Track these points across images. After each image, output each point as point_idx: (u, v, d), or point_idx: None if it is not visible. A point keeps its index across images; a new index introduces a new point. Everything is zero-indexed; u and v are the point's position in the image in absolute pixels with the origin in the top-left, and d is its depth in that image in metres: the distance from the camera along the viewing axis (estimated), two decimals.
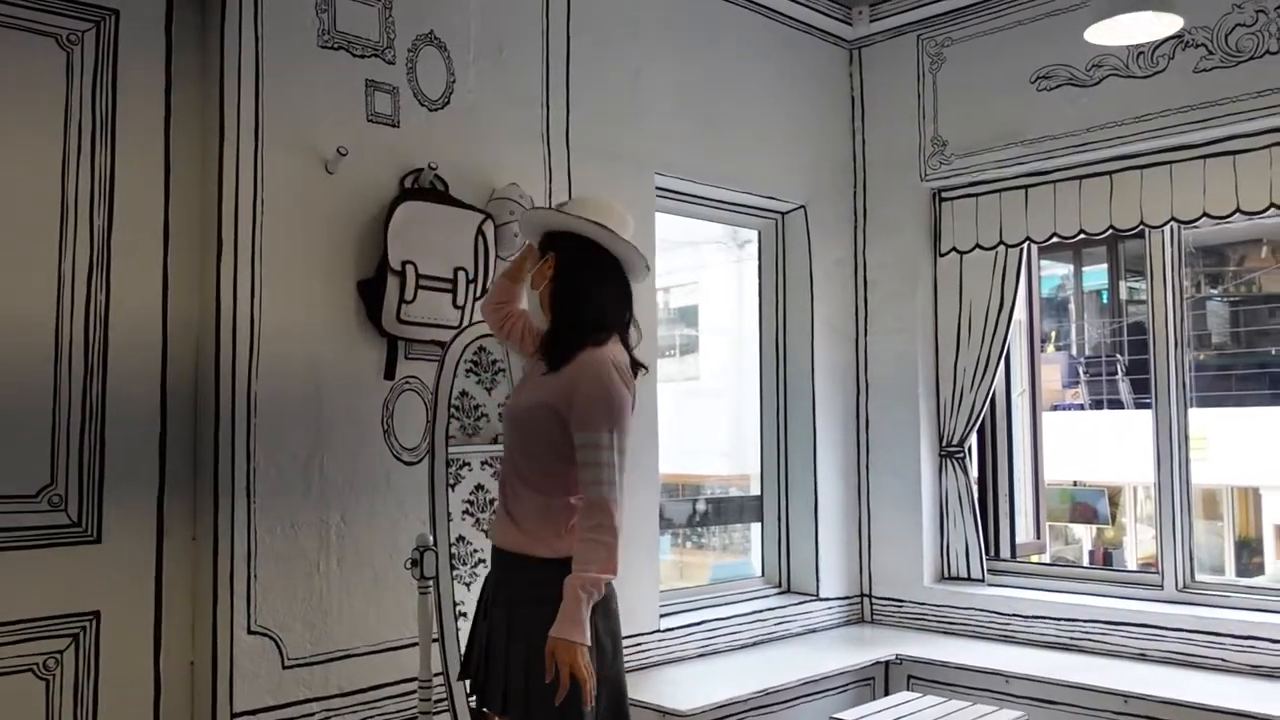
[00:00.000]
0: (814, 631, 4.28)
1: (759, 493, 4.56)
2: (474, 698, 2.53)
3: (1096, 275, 12.69)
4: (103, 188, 2.67)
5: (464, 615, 3.02)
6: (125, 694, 2.66)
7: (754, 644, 4.05)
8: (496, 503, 2.53)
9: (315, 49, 2.96)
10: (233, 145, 2.79)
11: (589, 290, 2.42)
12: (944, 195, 4.43)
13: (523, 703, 2.31)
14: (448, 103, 3.24)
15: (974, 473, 4.51)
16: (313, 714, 2.85)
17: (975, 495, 4.39)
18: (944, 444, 4.42)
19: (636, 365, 2.45)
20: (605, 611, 2.36)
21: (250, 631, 2.76)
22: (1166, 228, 3.92)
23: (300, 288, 2.89)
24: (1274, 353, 11.40)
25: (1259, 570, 10.33)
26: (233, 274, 2.77)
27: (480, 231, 3.13)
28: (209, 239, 2.79)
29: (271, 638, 2.79)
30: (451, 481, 3.11)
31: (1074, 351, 12.60)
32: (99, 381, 2.66)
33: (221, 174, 2.78)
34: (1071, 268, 12.59)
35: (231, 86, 2.79)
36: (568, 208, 2.56)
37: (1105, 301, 12.77)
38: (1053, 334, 12.75)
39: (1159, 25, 3.18)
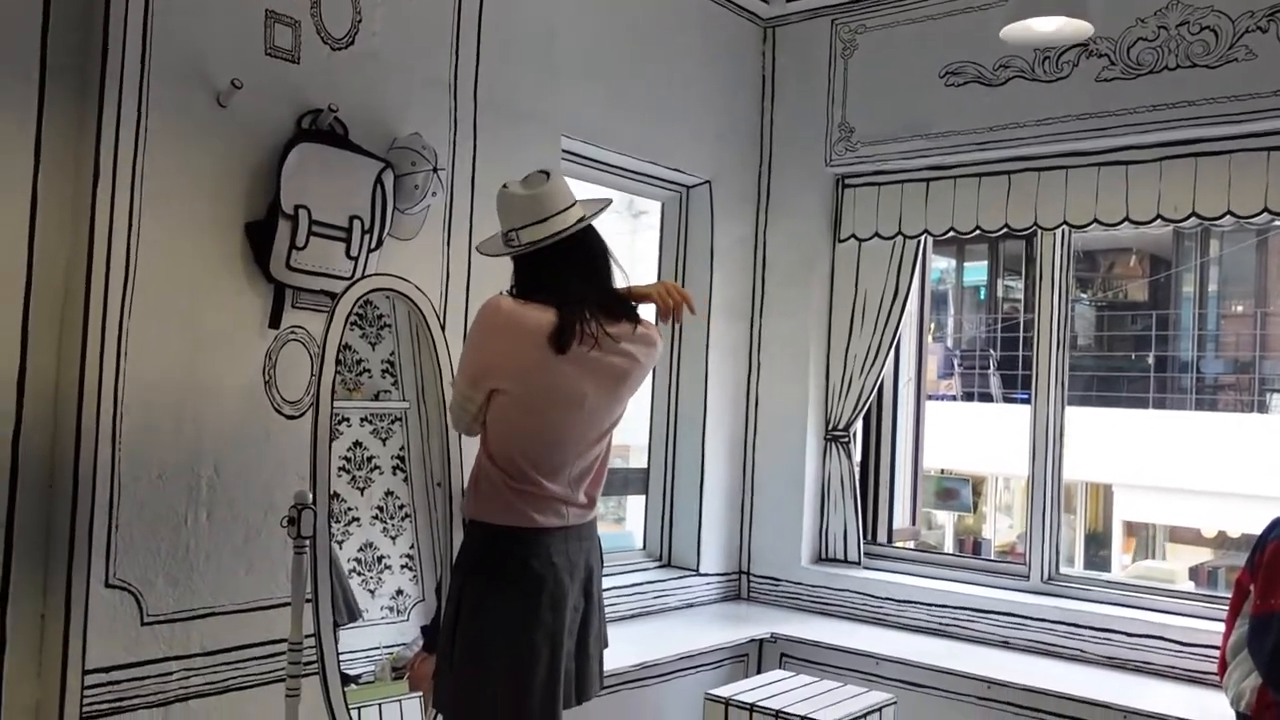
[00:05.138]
0: (692, 606, 4.30)
1: (644, 465, 4.54)
2: None
3: (976, 271, 13.10)
4: None
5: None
6: None
7: (632, 616, 4.05)
8: None
9: None
10: (116, 65, 2.59)
11: (541, 272, 2.44)
12: (847, 182, 4.45)
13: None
14: (352, 42, 3.08)
15: (857, 457, 4.58)
16: (171, 673, 2.71)
17: (857, 479, 4.47)
18: (830, 428, 4.47)
19: (565, 332, 2.33)
20: (519, 594, 2.36)
21: (108, 585, 2.59)
22: (1058, 231, 4.02)
23: (183, 225, 2.72)
24: (1133, 357, 11.96)
25: (1105, 562, 10.88)
26: (109, 204, 2.58)
27: (379, 181, 3.00)
28: (85, 165, 2.58)
29: (131, 592, 2.64)
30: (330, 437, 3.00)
31: (949, 344, 13.00)
32: None
33: (103, 94, 2.57)
34: (953, 262, 12.96)
35: (119, 2, 2.59)
36: (501, 216, 2.49)
37: (983, 297, 13.20)
38: (931, 325, 13.12)
39: (1069, 31, 3.24)
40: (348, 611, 2.95)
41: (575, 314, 2.35)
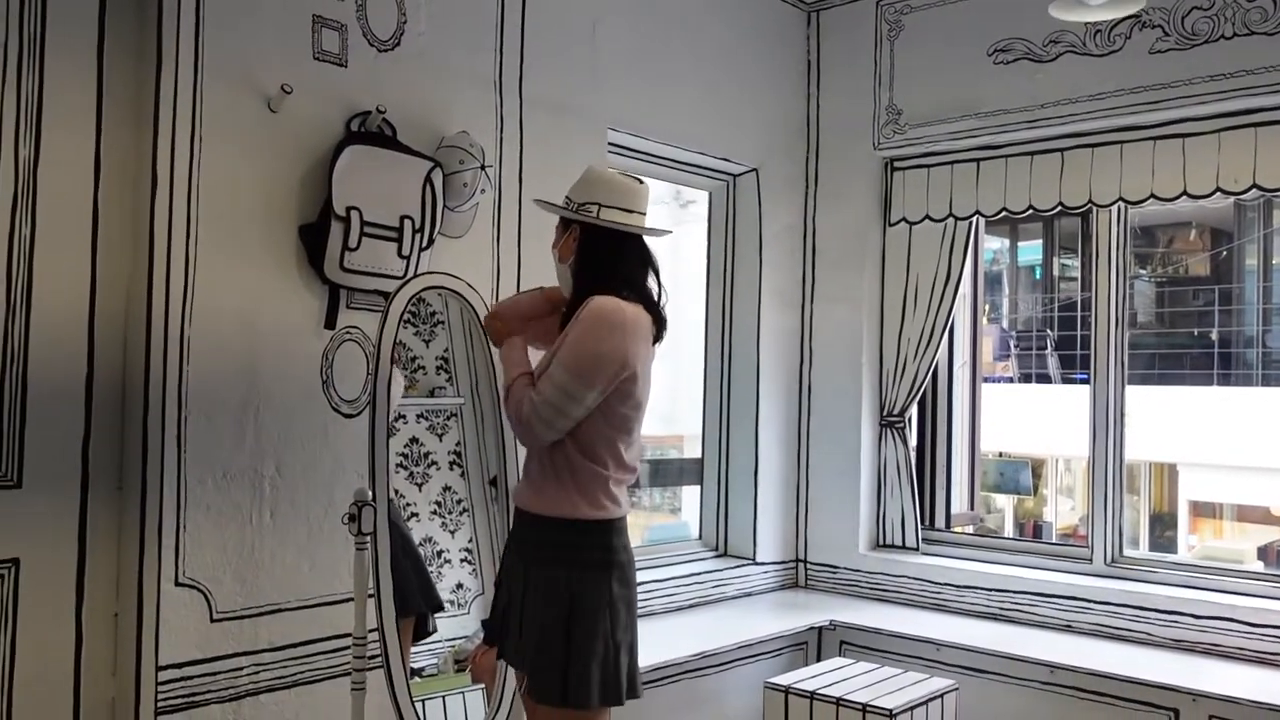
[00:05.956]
0: (749, 595, 4.29)
1: (698, 455, 4.54)
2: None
3: (1031, 250, 12.91)
4: (29, 114, 2.51)
5: None
6: (44, 645, 2.56)
7: (690, 606, 4.06)
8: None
9: None
10: (170, 75, 2.65)
11: (609, 259, 2.48)
12: (896, 165, 4.41)
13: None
14: (398, 44, 3.12)
15: (913, 442, 4.55)
16: (241, 668, 2.78)
17: (913, 465, 4.43)
18: (885, 413, 4.44)
19: (662, 324, 2.52)
20: (622, 579, 2.41)
21: (178, 583, 2.66)
22: (1114, 207, 3.94)
23: (239, 229, 2.77)
24: (1195, 334, 11.71)
25: (1171, 543, 10.68)
26: (168, 211, 2.64)
27: (429, 180, 3.03)
28: (143, 174, 2.65)
29: (200, 590, 2.71)
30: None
31: (1005, 325, 12.82)
32: (22, 320, 2.52)
33: (158, 105, 2.63)
34: (1007, 242, 12.78)
35: (171, 13, 2.65)
36: (583, 187, 2.53)
37: (1038, 277, 13.00)
38: (985, 307, 12.94)
39: (1121, 2, 3.18)
40: (428, 600, 2.99)
41: (660, 309, 2.51)
